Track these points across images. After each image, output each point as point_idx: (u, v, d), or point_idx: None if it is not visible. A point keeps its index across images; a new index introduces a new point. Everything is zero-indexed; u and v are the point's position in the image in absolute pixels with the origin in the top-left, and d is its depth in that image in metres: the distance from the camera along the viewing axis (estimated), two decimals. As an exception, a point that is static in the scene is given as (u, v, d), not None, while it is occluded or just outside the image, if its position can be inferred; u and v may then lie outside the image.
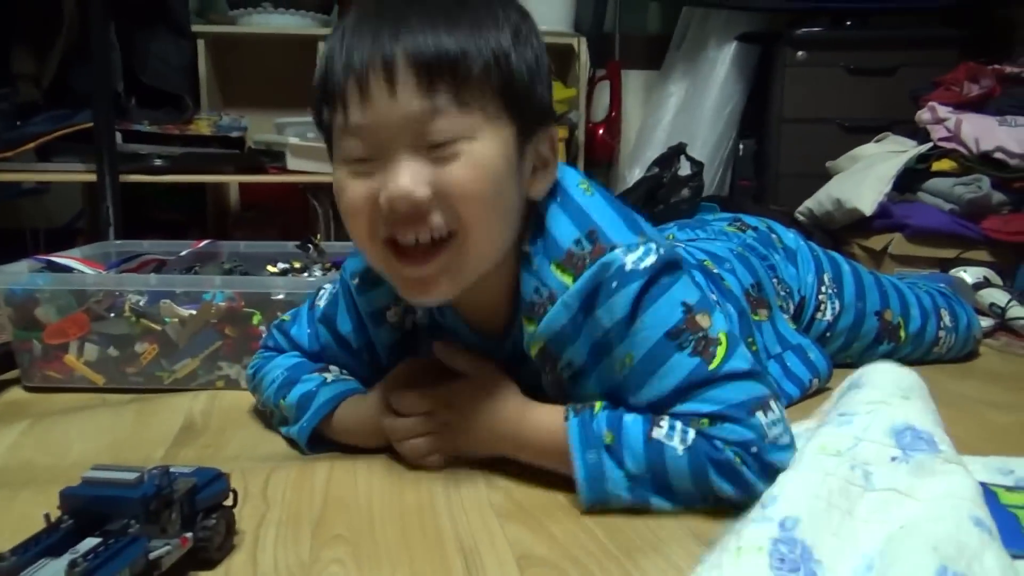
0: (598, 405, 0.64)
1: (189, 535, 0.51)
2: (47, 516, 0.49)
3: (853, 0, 2.13)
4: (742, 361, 0.62)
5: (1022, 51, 1.95)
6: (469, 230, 0.60)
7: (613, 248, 0.62)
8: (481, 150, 0.59)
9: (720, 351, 0.61)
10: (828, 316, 1.00)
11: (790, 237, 1.03)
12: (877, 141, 1.89)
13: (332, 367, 0.79)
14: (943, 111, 1.70)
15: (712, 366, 0.61)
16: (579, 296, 0.62)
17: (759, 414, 0.59)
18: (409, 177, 0.57)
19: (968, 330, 1.10)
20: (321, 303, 0.80)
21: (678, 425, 0.60)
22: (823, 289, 1.00)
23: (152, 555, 0.48)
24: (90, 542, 0.47)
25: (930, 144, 1.70)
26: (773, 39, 2.21)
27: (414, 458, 0.69)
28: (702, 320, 0.62)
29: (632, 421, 0.62)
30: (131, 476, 0.50)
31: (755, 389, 0.61)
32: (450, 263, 0.61)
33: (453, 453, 0.69)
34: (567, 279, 0.63)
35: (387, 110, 0.57)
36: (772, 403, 0.61)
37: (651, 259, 0.61)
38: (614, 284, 0.61)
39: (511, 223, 0.64)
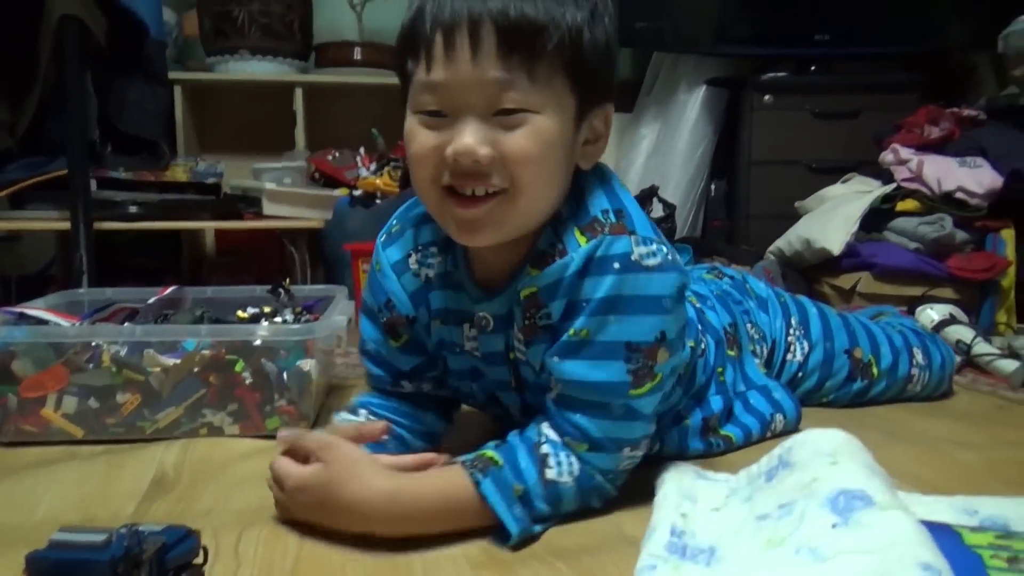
0: (492, 456, 0.67)
1: None
2: None
3: (816, 47, 2.20)
4: (650, 405, 0.70)
5: (979, 95, 2.03)
6: (520, 189, 0.65)
7: (632, 233, 0.67)
8: (543, 123, 0.64)
9: (648, 386, 0.68)
10: (799, 357, 1.03)
11: (760, 287, 1.08)
12: (844, 182, 1.94)
13: (362, 410, 0.81)
14: (905, 153, 1.76)
15: (632, 392, 0.68)
16: (584, 257, 0.67)
17: (627, 450, 0.70)
18: (475, 138, 0.63)
19: (942, 369, 1.12)
20: None
21: (563, 457, 0.68)
22: (791, 332, 1.03)
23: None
24: None
25: (894, 185, 1.75)
26: (740, 84, 2.27)
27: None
28: (661, 355, 0.68)
29: (525, 464, 0.67)
30: (98, 538, 0.50)
31: (637, 431, 0.70)
32: (497, 212, 0.66)
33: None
34: (582, 241, 0.68)
35: (466, 74, 0.63)
36: (643, 444, 0.71)
37: (656, 260, 0.67)
38: (616, 265, 0.66)
39: (558, 188, 0.69)
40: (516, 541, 0.64)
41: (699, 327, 0.88)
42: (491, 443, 0.70)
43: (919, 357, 1.10)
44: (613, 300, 0.66)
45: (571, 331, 0.67)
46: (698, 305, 0.93)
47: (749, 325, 0.99)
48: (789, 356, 1.03)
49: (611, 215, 0.69)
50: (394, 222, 0.81)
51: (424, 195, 0.70)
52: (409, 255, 0.78)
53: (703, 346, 0.87)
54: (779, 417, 0.93)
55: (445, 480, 0.66)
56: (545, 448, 0.68)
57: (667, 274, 0.68)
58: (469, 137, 0.63)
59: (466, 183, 0.65)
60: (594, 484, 0.69)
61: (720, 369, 0.90)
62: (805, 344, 1.04)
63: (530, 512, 0.66)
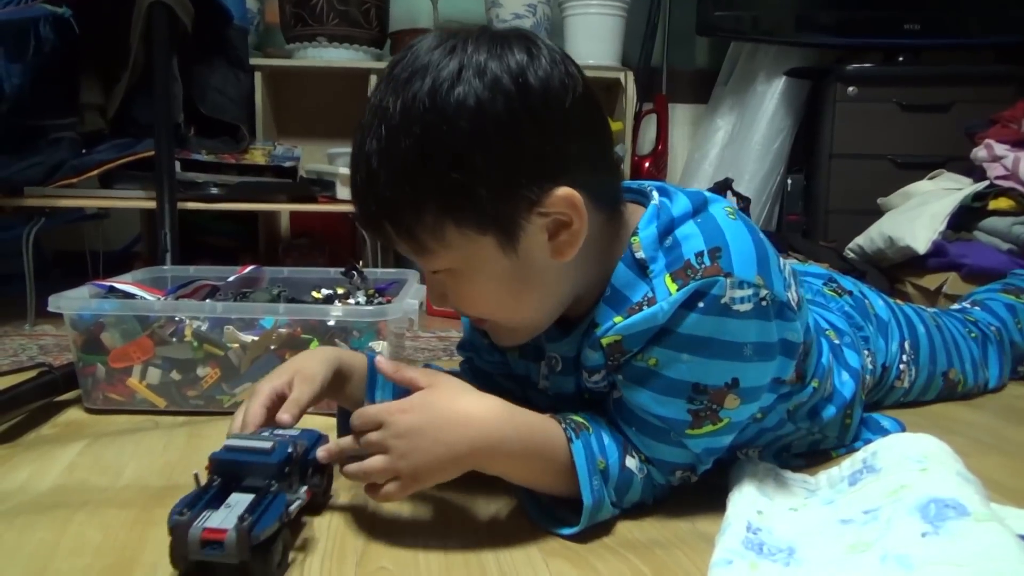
0: (584, 422, 0.65)
1: (305, 488, 0.63)
2: (196, 476, 0.59)
3: (905, 36, 2.11)
4: (702, 445, 0.66)
5: (1083, 88, 1.91)
6: (500, 321, 0.68)
7: (728, 275, 0.61)
8: (469, 276, 0.63)
9: (707, 428, 0.65)
10: (906, 384, 1.00)
11: (880, 306, 1.00)
12: (931, 178, 1.86)
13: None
14: (1000, 149, 1.67)
15: (688, 431, 0.65)
16: (674, 306, 0.61)
17: (678, 472, 0.68)
18: (431, 295, 0.68)
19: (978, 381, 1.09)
20: None
21: (635, 453, 0.67)
22: (904, 358, 0.99)
23: (290, 507, 0.59)
24: (239, 497, 0.56)
25: (987, 182, 1.66)
26: (823, 74, 2.19)
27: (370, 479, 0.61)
28: (730, 401, 0.64)
29: (609, 442, 0.65)
30: (267, 444, 0.60)
31: (687, 460, 0.67)
32: (502, 329, 0.69)
33: (415, 477, 0.60)
34: (672, 288, 0.61)
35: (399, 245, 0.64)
36: (699, 470, 0.69)
37: (748, 306, 0.61)
38: (700, 304, 0.61)
39: (549, 291, 0.65)
40: (585, 516, 0.61)
41: (827, 366, 0.78)
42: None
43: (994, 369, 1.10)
44: (690, 339, 0.61)
45: (640, 356, 0.64)
46: (837, 341, 0.85)
47: (867, 352, 0.92)
48: (898, 383, 0.99)
49: (705, 257, 0.62)
50: None
51: None
52: None
53: (830, 386, 0.79)
54: None
55: (548, 423, 0.63)
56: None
57: (760, 322, 0.62)
58: (428, 295, 0.68)
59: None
60: (654, 485, 0.68)
61: (849, 411, 0.82)
62: (914, 370, 1.00)
63: (603, 491, 0.63)
